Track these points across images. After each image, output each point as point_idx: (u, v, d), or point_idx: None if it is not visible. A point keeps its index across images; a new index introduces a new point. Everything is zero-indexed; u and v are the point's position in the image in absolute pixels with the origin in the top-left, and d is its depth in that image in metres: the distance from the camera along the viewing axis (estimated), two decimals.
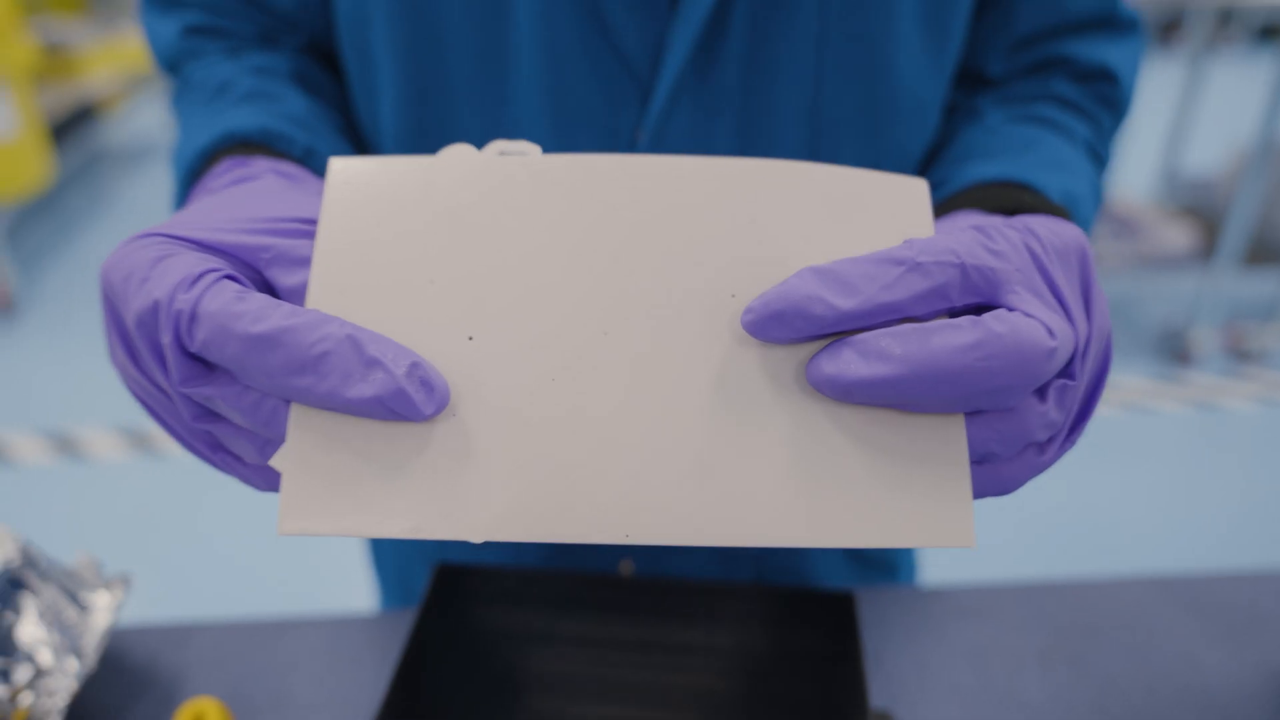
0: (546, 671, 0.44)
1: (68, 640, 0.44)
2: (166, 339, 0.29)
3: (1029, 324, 0.29)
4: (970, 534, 0.29)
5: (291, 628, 0.52)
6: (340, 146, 0.46)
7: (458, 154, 0.33)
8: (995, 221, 0.34)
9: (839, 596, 0.44)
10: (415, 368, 0.29)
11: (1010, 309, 0.30)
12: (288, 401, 0.29)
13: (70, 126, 3.19)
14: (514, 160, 0.33)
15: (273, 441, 0.30)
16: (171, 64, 0.51)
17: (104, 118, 3.38)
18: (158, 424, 0.32)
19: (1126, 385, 2.38)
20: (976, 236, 0.32)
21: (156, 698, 0.47)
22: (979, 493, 0.32)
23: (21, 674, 0.43)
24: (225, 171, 0.39)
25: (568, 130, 0.45)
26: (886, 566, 0.64)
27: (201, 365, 0.29)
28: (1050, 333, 0.29)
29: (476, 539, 0.28)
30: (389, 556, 0.66)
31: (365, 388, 0.28)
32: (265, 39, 0.51)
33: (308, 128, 0.45)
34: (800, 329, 0.30)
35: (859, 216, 0.33)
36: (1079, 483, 2.00)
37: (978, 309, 0.31)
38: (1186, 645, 0.51)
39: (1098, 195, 0.49)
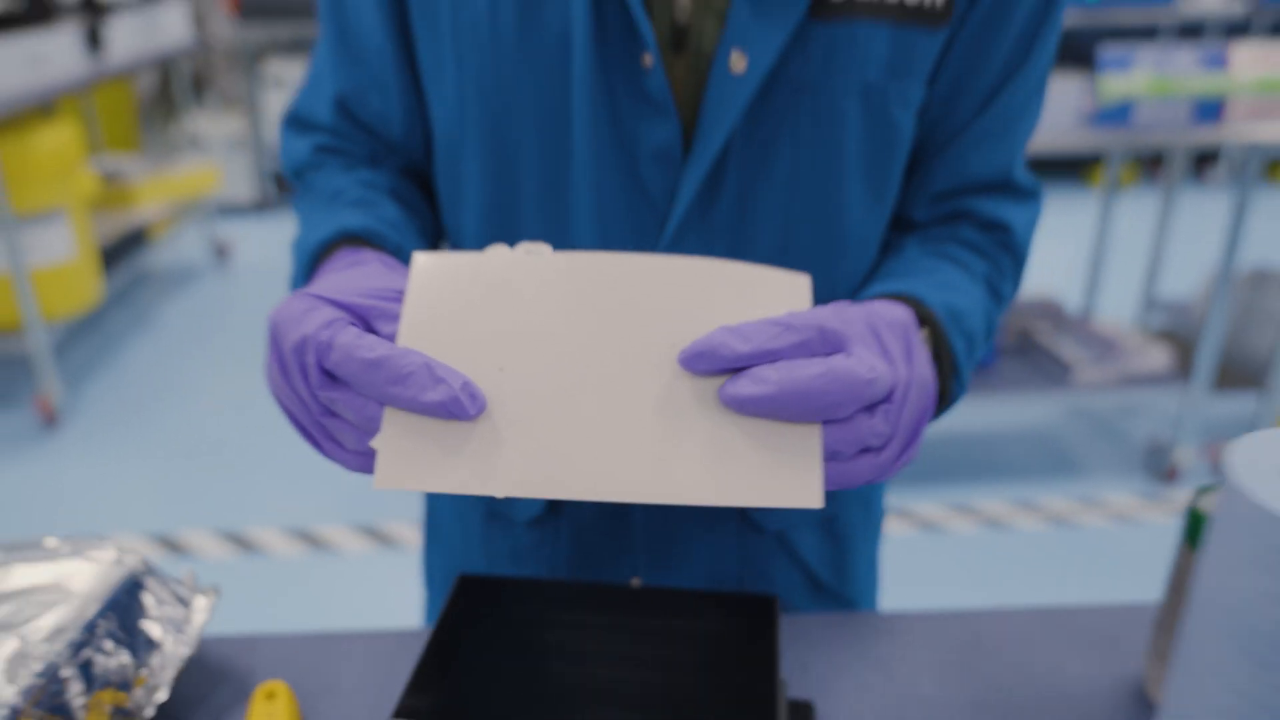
0: (549, 664, 0.57)
1: (174, 629, 0.58)
2: (310, 359, 0.45)
3: (857, 363, 0.45)
4: (818, 496, 0.45)
5: (348, 638, 0.65)
6: (419, 244, 0.64)
7: (497, 251, 0.51)
8: (849, 305, 0.50)
9: (764, 599, 0.57)
10: (465, 385, 0.45)
11: (848, 352, 0.46)
12: (383, 405, 0.45)
13: (119, 249, 3.43)
14: (534, 256, 0.51)
15: (369, 433, 0.45)
16: (298, 172, 0.69)
17: (150, 242, 3.63)
18: (291, 421, 0.49)
19: (1115, 501, 2.49)
20: (833, 312, 0.48)
21: (236, 681, 0.61)
22: (832, 483, 0.47)
23: (142, 651, 0.56)
24: (344, 256, 0.57)
25: (606, 247, 0.62)
26: (846, 600, 0.78)
27: (330, 378, 0.46)
28: (872, 369, 0.45)
29: (500, 494, 0.44)
30: (439, 576, 0.81)
31: (433, 395, 0.44)
32: (373, 159, 0.69)
33: (398, 230, 0.62)
34: (716, 365, 0.46)
35: (761, 296, 0.50)
36: (1073, 591, 2.09)
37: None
38: (1057, 658, 0.64)
39: (987, 311, 0.65)
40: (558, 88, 0.59)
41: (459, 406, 0.44)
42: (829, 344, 0.47)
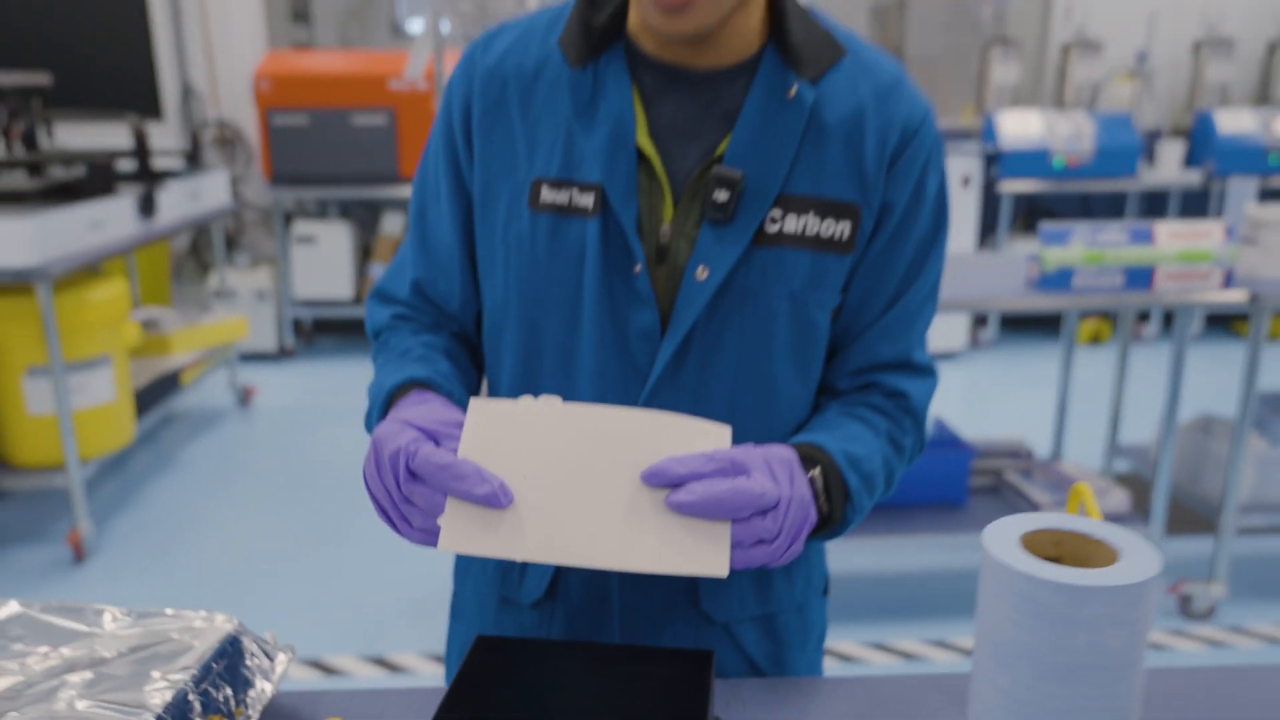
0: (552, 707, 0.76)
1: (263, 675, 0.78)
2: (400, 462, 0.69)
3: (754, 483, 0.70)
4: (725, 569, 0.68)
5: (396, 691, 0.84)
6: (463, 392, 0.88)
7: (525, 400, 0.75)
8: (753, 447, 0.76)
9: (701, 653, 0.77)
10: (501, 485, 0.69)
11: (749, 476, 0.70)
12: (446, 495, 0.68)
13: (151, 393, 3.68)
14: (549, 405, 0.75)
15: (433, 517, 0.69)
16: (377, 333, 0.96)
17: (180, 386, 3.88)
18: (377, 506, 0.72)
19: None
20: (741, 450, 0.73)
21: (306, 715, 0.80)
22: (738, 562, 0.71)
23: (241, 688, 0.76)
24: (414, 396, 0.82)
25: (601, 399, 0.86)
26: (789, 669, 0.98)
27: (412, 476, 0.69)
28: (763, 488, 0.69)
29: (519, 559, 0.68)
30: (457, 650, 1.01)
31: (481, 490, 0.68)
32: (435, 327, 0.95)
33: (450, 380, 0.87)
34: (665, 481, 0.70)
35: (697, 439, 0.74)
36: None
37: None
38: (944, 714, 0.82)
39: (885, 457, 0.89)
40: (574, 285, 0.86)
41: (496, 499, 0.70)
42: (737, 470, 0.73)
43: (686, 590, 0.92)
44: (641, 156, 0.85)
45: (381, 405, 0.85)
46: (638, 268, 0.84)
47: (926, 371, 0.94)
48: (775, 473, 0.75)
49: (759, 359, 0.86)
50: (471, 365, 0.96)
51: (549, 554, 0.70)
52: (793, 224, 0.84)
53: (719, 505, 0.70)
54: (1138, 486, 3.20)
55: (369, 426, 0.88)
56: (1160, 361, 5.10)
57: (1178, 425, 2.92)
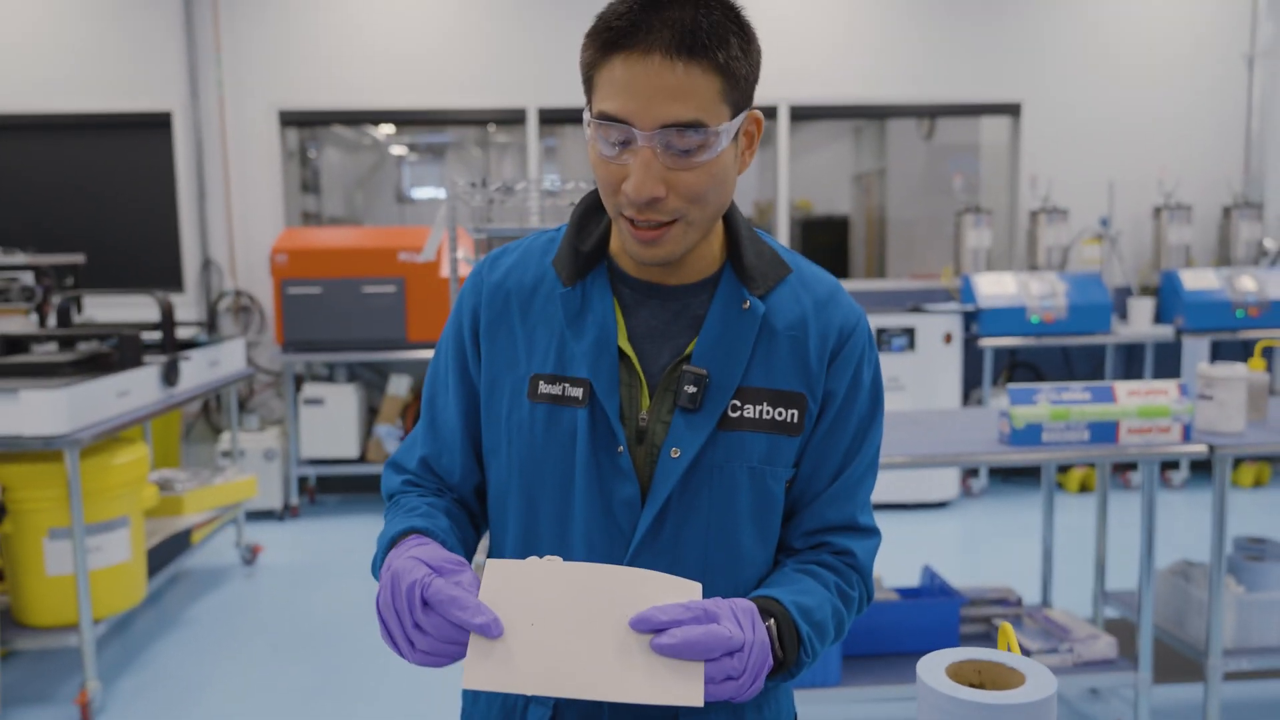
0: None
1: None
2: (416, 592, 0.85)
3: (723, 629, 0.86)
4: (700, 698, 0.83)
5: None
6: (456, 544, 1.04)
7: (532, 560, 0.90)
8: (721, 599, 0.91)
9: None
10: (495, 619, 0.84)
11: (719, 624, 0.86)
12: (453, 624, 0.84)
13: (162, 552, 3.77)
14: (551, 564, 0.90)
15: (440, 641, 0.84)
16: (390, 495, 1.12)
17: (189, 545, 3.98)
18: (386, 631, 0.87)
19: None
20: (712, 601, 0.89)
21: None
22: (710, 695, 0.86)
23: None
24: (414, 539, 0.97)
25: (591, 559, 1.01)
26: None
27: (425, 605, 0.84)
28: (731, 633, 0.85)
29: (529, 693, 0.82)
30: None
31: (478, 620, 0.83)
32: (438, 492, 1.11)
33: (446, 534, 1.03)
34: (649, 627, 0.85)
35: (674, 592, 0.89)
36: None
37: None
38: None
39: (835, 607, 1.04)
40: (567, 463, 1.02)
41: (489, 630, 0.85)
42: (710, 618, 0.88)
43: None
44: (623, 356, 1.03)
45: (386, 546, 1.00)
46: (621, 448, 1.01)
47: (871, 532, 1.11)
48: (740, 620, 0.90)
49: (725, 523, 1.03)
50: (468, 525, 1.12)
51: (553, 688, 0.84)
52: (751, 411, 1.02)
53: (694, 647, 0.85)
54: (1126, 631, 3.27)
55: (375, 568, 1.03)
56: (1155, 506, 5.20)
57: (1158, 572, 3.02)
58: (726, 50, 0.91)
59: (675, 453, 1.00)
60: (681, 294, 1.05)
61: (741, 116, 0.96)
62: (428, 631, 0.87)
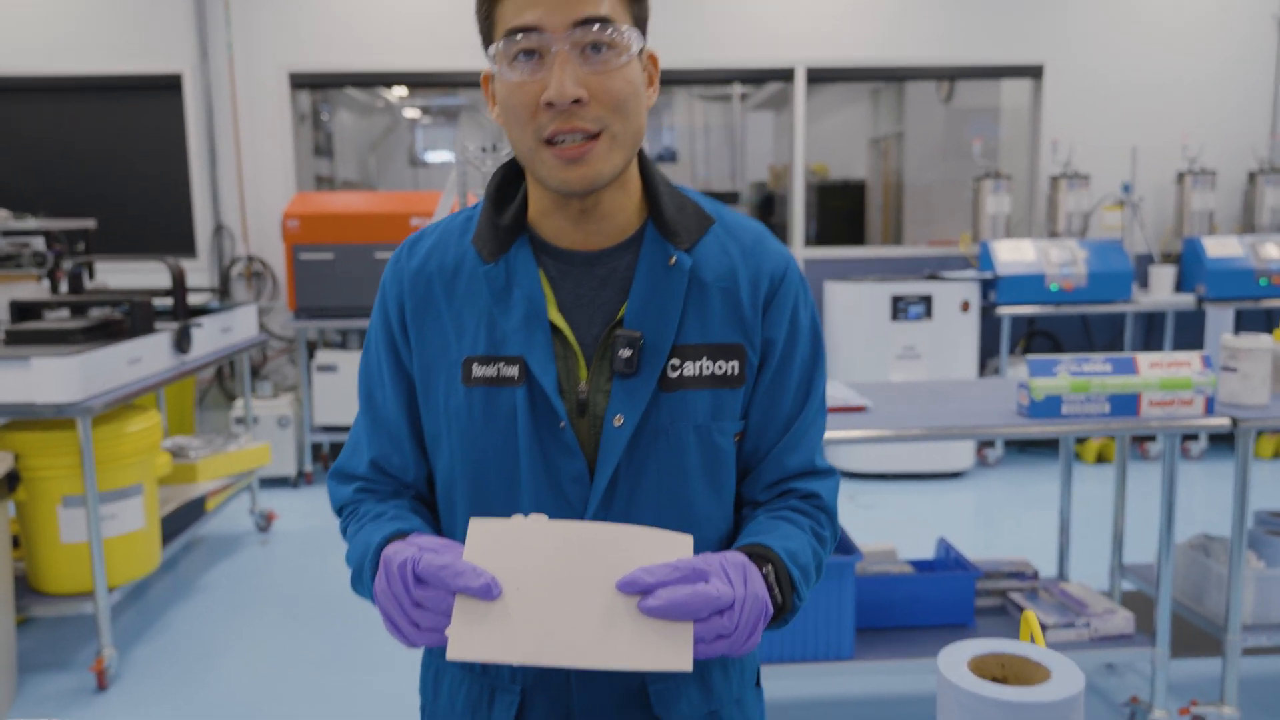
0: None
1: None
2: (408, 569, 0.83)
3: (711, 588, 0.83)
4: (689, 663, 0.81)
5: None
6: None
7: (517, 518, 0.88)
8: (711, 554, 0.88)
9: None
10: (492, 579, 0.82)
11: (708, 581, 0.83)
12: (450, 592, 0.81)
13: (177, 519, 3.79)
14: (536, 522, 0.87)
15: (439, 616, 0.82)
16: (341, 508, 1.09)
17: (203, 512, 3.99)
18: (386, 618, 0.85)
19: None
20: (701, 558, 0.85)
21: None
22: (700, 654, 0.83)
23: None
24: (398, 542, 0.93)
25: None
26: None
27: (418, 580, 0.82)
28: (719, 591, 0.83)
29: (515, 662, 0.80)
30: None
31: (476, 582, 0.81)
32: (395, 495, 1.08)
33: (420, 532, 0.99)
34: (636, 589, 0.83)
35: (664, 548, 0.86)
36: None
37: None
38: None
39: (814, 549, 1.03)
40: (510, 444, 1.00)
41: (489, 590, 0.83)
42: (698, 576, 0.85)
43: (639, 698, 1.03)
44: (554, 329, 1.01)
45: (374, 558, 0.96)
46: (563, 423, 0.99)
47: (829, 473, 1.10)
48: (730, 577, 0.88)
49: (676, 486, 1.01)
50: (433, 522, 1.09)
51: (540, 657, 0.82)
52: (690, 369, 1.00)
53: (682, 608, 0.83)
54: (1144, 605, 3.24)
55: (359, 587, 1.01)
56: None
57: (1177, 545, 2.98)
58: None
59: (618, 420, 0.98)
60: (606, 258, 1.03)
61: (644, 36, 0.98)
62: (427, 607, 0.85)
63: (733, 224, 1.07)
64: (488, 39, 0.97)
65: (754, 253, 1.05)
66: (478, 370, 1.00)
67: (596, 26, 0.92)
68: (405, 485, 1.08)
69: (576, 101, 0.91)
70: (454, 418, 1.02)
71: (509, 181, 1.08)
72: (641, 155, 1.05)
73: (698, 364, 1.00)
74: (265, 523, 4.55)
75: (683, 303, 1.00)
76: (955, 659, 0.73)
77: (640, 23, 0.98)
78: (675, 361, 1.00)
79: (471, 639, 0.81)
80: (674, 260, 1.01)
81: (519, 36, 0.92)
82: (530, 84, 0.93)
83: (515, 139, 0.97)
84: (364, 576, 0.98)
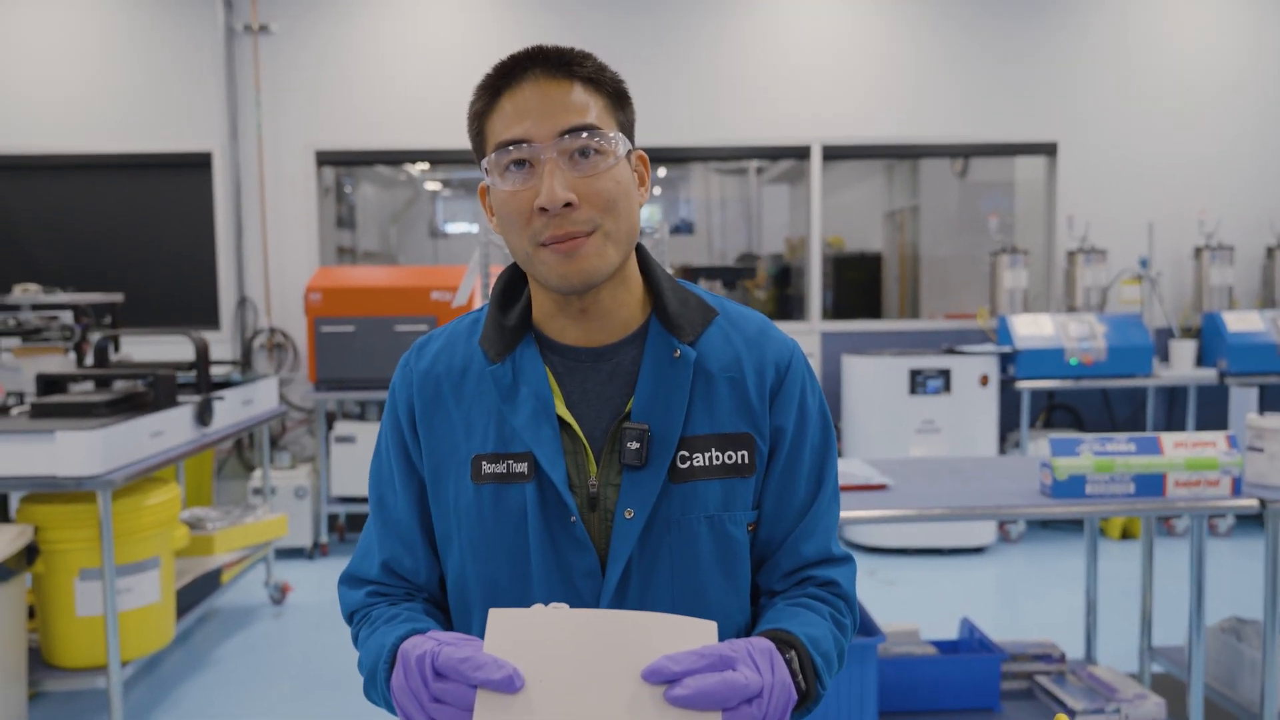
0: None
1: None
2: (427, 664, 0.82)
3: (739, 676, 0.82)
4: None
5: None
6: None
7: (537, 608, 0.86)
8: (737, 640, 0.87)
9: None
10: (515, 670, 0.80)
11: (735, 669, 0.82)
12: (471, 686, 0.80)
13: (192, 592, 3.76)
14: (557, 612, 0.86)
15: (459, 711, 0.80)
16: (353, 613, 1.08)
17: (218, 585, 3.96)
18: (404, 715, 0.84)
19: None
20: (728, 645, 0.85)
21: None
22: None
23: None
24: (415, 637, 0.92)
25: None
26: None
27: (437, 674, 0.81)
28: (747, 679, 0.81)
29: None
30: None
31: (498, 675, 0.80)
32: (408, 597, 1.08)
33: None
34: (662, 678, 0.82)
35: (689, 636, 0.85)
36: None
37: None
38: None
39: (835, 636, 1.02)
40: (521, 541, 1.00)
41: (511, 683, 0.81)
42: (725, 664, 0.84)
43: None
44: (563, 424, 1.02)
45: (389, 656, 0.95)
46: (573, 518, 0.99)
47: (846, 559, 1.10)
48: (758, 663, 0.87)
49: (690, 577, 1.01)
50: (447, 626, 1.08)
51: None
52: (700, 459, 1.01)
53: (710, 697, 0.81)
54: (1174, 689, 3.15)
55: (373, 694, 1.00)
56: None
57: (1207, 628, 2.91)
58: (603, 73, 1.00)
59: (629, 513, 0.98)
60: (611, 353, 1.05)
61: (631, 141, 1.02)
62: (447, 702, 0.83)
63: (736, 315, 1.09)
64: (480, 153, 1.01)
65: (758, 342, 1.07)
66: (487, 467, 1.01)
67: (584, 134, 0.96)
68: (418, 588, 1.08)
69: (568, 205, 0.95)
70: (464, 516, 1.02)
71: (513, 284, 1.10)
72: (642, 251, 1.08)
73: (707, 454, 1.01)
74: (280, 595, 4.52)
75: (689, 394, 1.02)
76: None
77: (625, 128, 1.02)
78: (684, 453, 1.00)
79: None
80: (678, 353, 1.02)
81: (510, 148, 0.97)
82: (523, 192, 0.97)
83: (513, 245, 1.00)
84: (378, 679, 0.96)
